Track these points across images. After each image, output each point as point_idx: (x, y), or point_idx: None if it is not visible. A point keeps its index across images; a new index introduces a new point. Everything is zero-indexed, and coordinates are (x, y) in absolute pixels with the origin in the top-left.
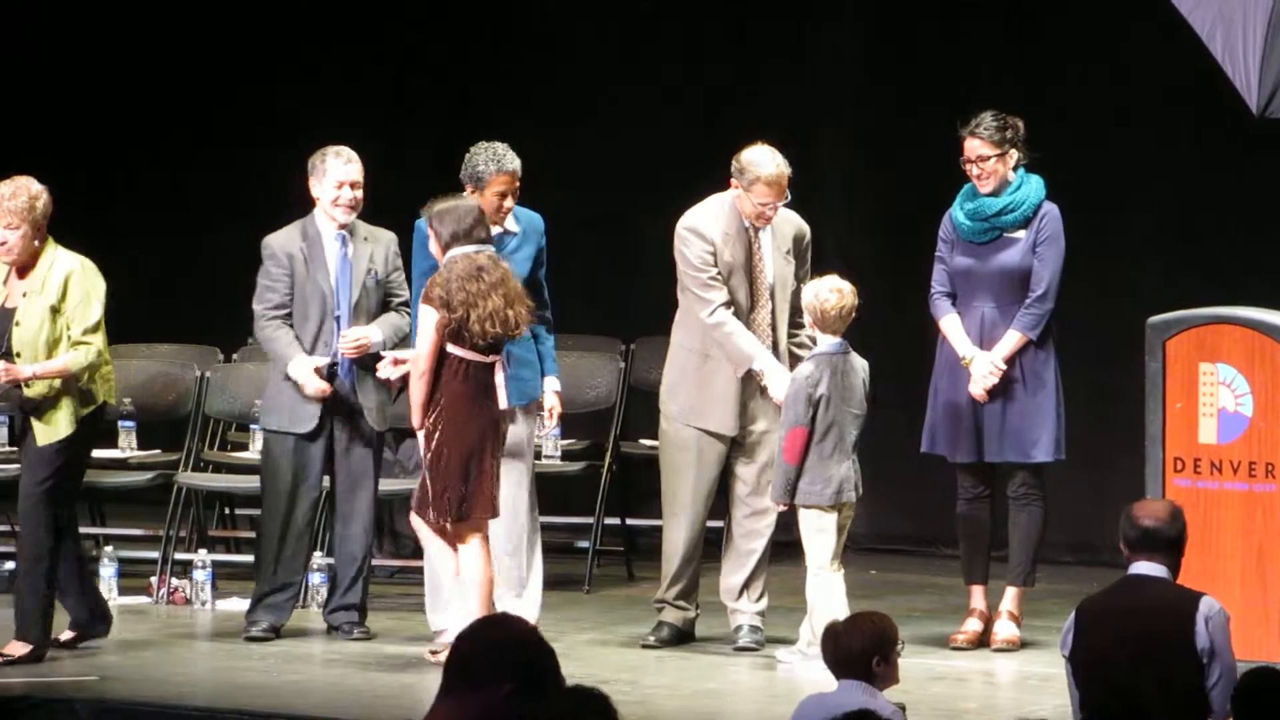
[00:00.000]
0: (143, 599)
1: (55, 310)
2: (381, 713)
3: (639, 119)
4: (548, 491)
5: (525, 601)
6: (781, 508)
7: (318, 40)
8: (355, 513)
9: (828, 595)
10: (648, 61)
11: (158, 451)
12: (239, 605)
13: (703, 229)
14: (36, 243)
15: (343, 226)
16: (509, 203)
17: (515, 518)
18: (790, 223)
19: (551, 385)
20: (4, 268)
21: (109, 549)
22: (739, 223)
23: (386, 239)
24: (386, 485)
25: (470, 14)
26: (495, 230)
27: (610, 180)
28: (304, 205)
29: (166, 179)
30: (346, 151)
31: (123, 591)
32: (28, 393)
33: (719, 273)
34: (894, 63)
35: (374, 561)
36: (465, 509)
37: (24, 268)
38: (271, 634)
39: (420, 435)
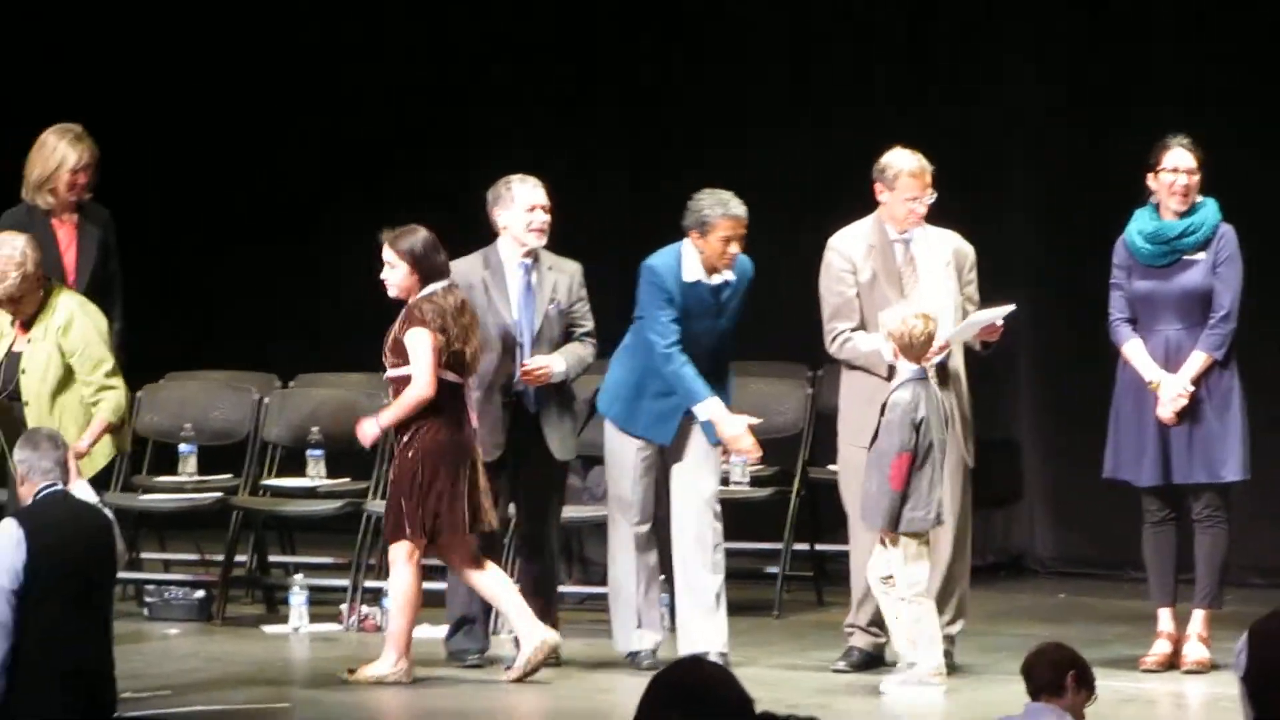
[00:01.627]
0: (333, 626)
1: (60, 354)
2: None
3: (823, 141)
4: (736, 517)
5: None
6: (885, 536)
7: (509, 61)
8: (540, 540)
9: (928, 621)
10: (827, 83)
11: (346, 480)
12: (428, 632)
13: (841, 245)
14: (39, 292)
15: (528, 254)
16: (734, 248)
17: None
18: (949, 241)
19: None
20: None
21: (299, 577)
22: (884, 236)
23: (571, 269)
24: (574, 512)
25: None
26: (718, 278)
27: (796, 203)
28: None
29: (359, 205)
30: (531, 179)
31: (313, 619)
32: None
33: (853, 295)
34: (1080, 86)
35: (563, 589)
36: (438, 528)
37: (29, 315)
38: (479, 662)
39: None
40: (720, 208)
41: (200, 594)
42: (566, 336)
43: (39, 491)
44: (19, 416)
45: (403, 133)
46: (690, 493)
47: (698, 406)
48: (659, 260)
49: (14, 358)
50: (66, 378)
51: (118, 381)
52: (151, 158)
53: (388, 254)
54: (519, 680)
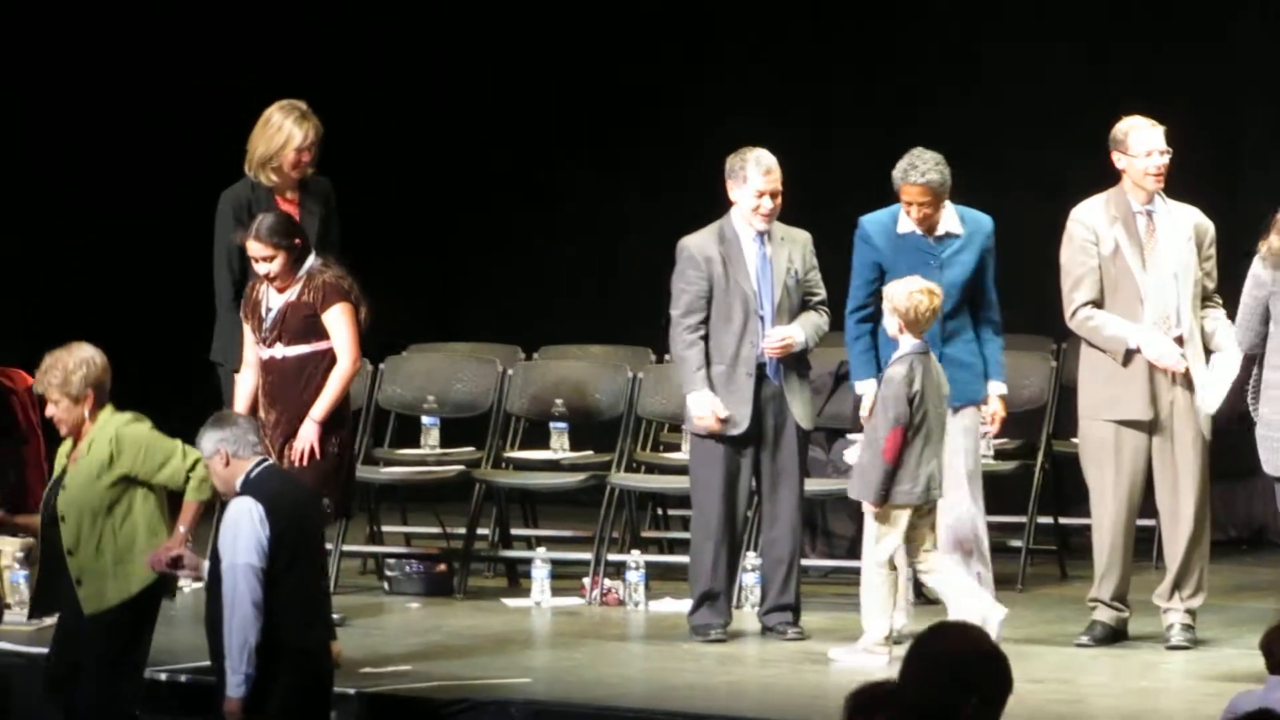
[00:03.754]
0: (576, 600)
1: (102, 472)
2: (817, 714)
3: (1062, 112)
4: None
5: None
6: (873, 509)
7: (742, 40)
8: (782, 513)
9: (884, 592)
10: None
11: (590, 453)
12: (672, 606)
13: (1084, 216)
14: (85, 412)
15: (761, 230)
16: (914, 213)
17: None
18: (1190, 216)
19: (996, 389)
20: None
21: (541, 550)
22: (1127, 207)
23: (803, 239)
24: (817, 485)
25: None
26: (939, 231)
27: (1038, 177)
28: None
29: (593, 181)
30: (767, 159)
31: (555, 593)
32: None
33: (1095, 266)
34: None
35: (806, 561)
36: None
37: (78, 437)
38: (722, 637)
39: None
40: (900, 174)
41: (441, 567)
42: (803, 306)
43: (254, 466)
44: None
45: (638, 93)
46: (953, 471)
47: (856, 384)
48: (871, 215)
49: (59, 477)
50: (108, 496)
51: (189, 459)
52: (393, 128)
53: (257, 248)
54: None
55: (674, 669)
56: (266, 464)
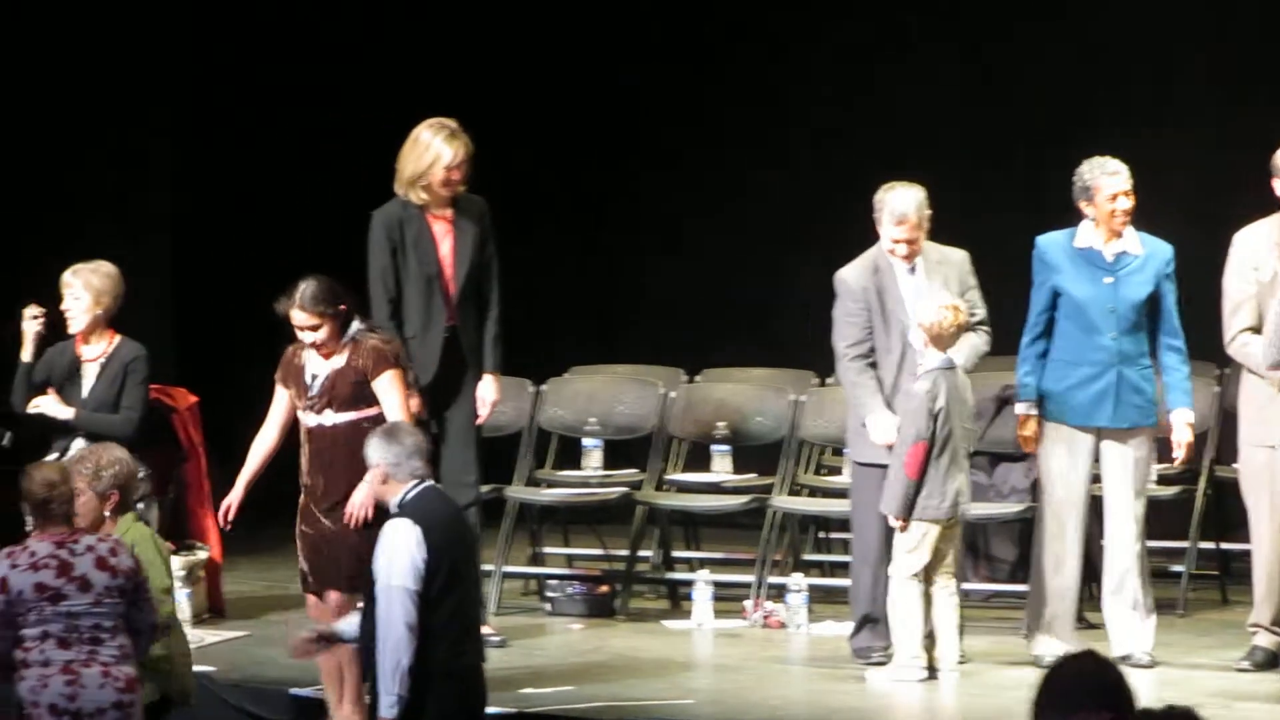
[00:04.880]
0: (738, 622)
1: None
2: None
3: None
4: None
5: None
6: (898, 523)
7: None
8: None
9: (914, 607)
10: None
11: (752, 475)
12: (834, 629)
13: (1245, 241)
14: (106, 512)
15: (907, 259)
16: (1124, 203)
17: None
18: None
19: (1182, 417)
20: None
21: (703, 572)
22: None
23: (958, 259)
24: (978, 509)
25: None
26: (1116, 247)
27: (1203, 206)
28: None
29: (761, 208)
30: (902, 205)
31: (717, 615)
32: None
33: (1254, 293)
34: None
35: (968, 586)
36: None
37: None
38: (883, 659)
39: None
40: (1099, 169)
41: (603, 589)
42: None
43: (413, 487)
44: None
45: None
46: (1121, 491)
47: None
48: (1047, 234)
49: None
50: None
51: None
52: (542, 149)
53: (302, 317)
54: None
55: (835, 691)
56: (426, 485)
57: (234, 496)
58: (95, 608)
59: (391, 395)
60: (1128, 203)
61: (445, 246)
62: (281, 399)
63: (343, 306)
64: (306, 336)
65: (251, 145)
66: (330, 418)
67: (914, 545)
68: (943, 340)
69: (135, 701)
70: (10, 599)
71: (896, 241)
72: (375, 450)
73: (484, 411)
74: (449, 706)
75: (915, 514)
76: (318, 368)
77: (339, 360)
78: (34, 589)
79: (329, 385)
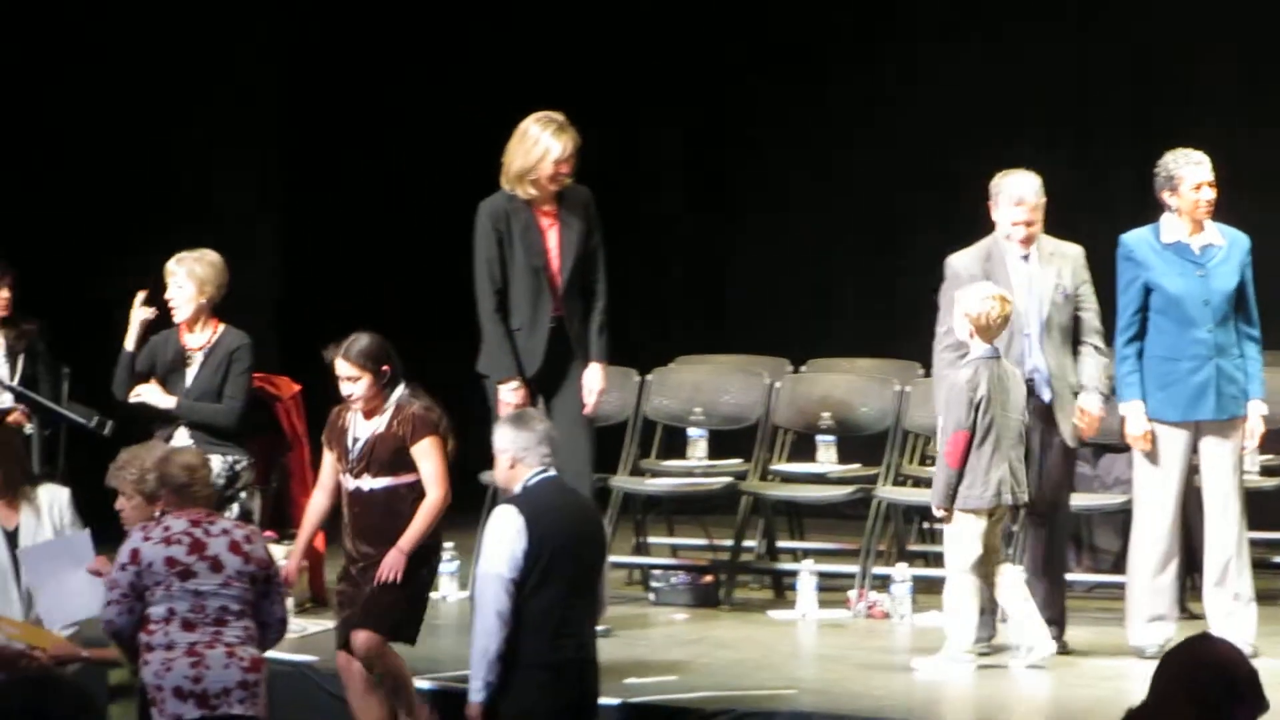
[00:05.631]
0: (841, 613)
1: None
2: None
3: None
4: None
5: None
6: (941, 512)
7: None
8: (1052, 527)
9: (969, 600)
10: None
11: (856, 466)
12: (938, 620)
13: None
14: (157, 513)
15: (1024, 248)
16: (1207, 193)
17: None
18: None
19: (1256, 408)
20: None
21: (807, 563)
22: None
23: (1074, 253)
24: (1084, 500)
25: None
26: (1200, 240)
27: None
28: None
29: (868, 198)
30: (1020, 188)
31: (821, 605)
32: None
33: None
34: None
35: (1072, 576)
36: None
37: None
38: (987, 650)
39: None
40: (1182, 158)
41: (708, 579)
42: (1074, 322)
43: (534, 475)
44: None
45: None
46: (1220, 483)
47: (1121, 405)
48: (1131, 231)
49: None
50: None
51: None
52: (668, 145)
53: (344, 368)
54: None
55: (939, 682)
56: (547, 475)
57: (291, 566)
58: (224, 589)
59: (429, 462)
60: (1211, 193)
61: (551, 238)
62: (329, 462)
63: (386, 367)
64: (345, 388)
65: (355, 132)
66: (368, 482)
67: (960, 536)
68: (989, 331)
69: (260, 681)
70: (140, 569)
71: (1015, 224)
72: (503, 436)
73: (590, 400)
74: (531, 697)
75: (958, 504)
76: (360, 431)
77: (380, 424)
78: (164, 562)
79: (368, 449)
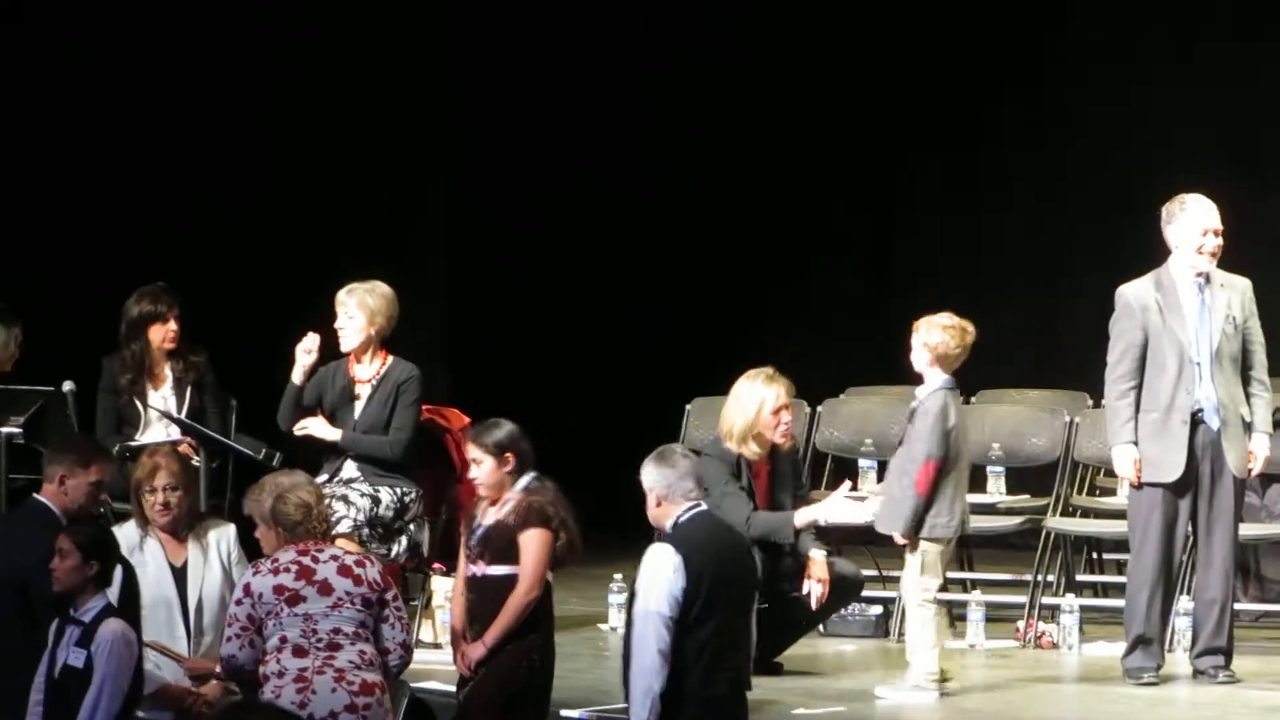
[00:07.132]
0: (1010, 642)
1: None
2: None
3: None
4: None
5: None
6: (903, 541)
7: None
8: (1216, 557)
9: (930, 627)
10: None
11: (1026, 496)
12: (1106, 650)
13: None
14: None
15: (1201, 274)
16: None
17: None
18: None
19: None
20: None
21: (976, 593)
22: None
23: (1243, 285)
24: (1251, 530)
25: None
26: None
27: None
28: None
29: (1034, 232)
30: (1205, 199)
31: (990, 635)
32: None
33: None
34: None
35: (1239, 606)
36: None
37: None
38: (1155, 680)
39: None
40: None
41: (877, 610)
42: (1244, 353)
43: (685, 511)
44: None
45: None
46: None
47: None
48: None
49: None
50: None
51: None
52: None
53: (472, 450)
54: None
55: (1106, 712)
56: (699, 509)
57: (463, 659)
58: (334, 611)
59: (529, 553)
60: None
61: None
62: (464, 547)
63: (510, 455)
64: (472, 470)
65: (525, 165)
66: (482, 569)
67: (924, 565)
68: (948, 360)
69: (372, 705)
70: (253, 601)
71: (1200, 254)
72: (649, 475)
73: None
74: None
75: (924, 532)
76: (485, 517)
77: (501, 511)
78: (274, 591)
79: (486, 536)
